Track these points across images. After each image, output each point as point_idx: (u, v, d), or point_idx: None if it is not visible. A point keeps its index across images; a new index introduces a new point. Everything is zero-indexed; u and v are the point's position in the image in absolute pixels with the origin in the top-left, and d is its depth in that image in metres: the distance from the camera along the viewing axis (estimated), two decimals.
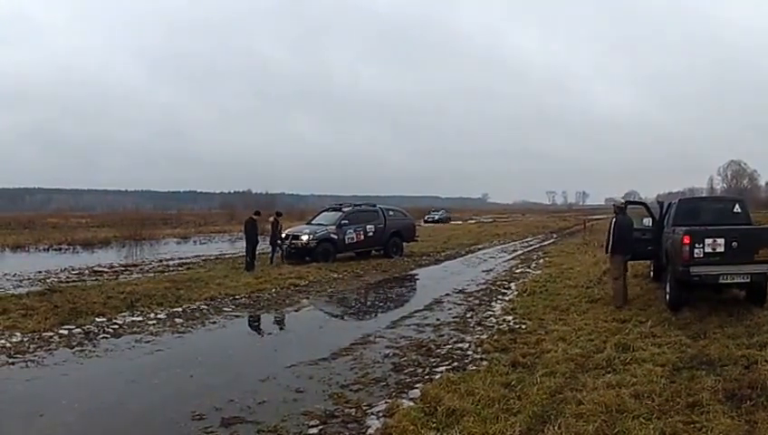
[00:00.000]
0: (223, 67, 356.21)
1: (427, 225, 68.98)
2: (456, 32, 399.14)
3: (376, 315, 14.20)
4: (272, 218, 25.02)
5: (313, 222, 28.00)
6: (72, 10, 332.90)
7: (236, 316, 14.64)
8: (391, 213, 28.96)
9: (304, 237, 25.88)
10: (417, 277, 22.13)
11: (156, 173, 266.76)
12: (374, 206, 29.19)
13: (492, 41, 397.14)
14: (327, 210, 29.50)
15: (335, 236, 26.32)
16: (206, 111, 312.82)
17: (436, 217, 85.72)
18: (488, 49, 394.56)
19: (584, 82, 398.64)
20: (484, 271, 22.86)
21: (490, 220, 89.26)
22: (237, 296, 16.72)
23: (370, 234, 27.43)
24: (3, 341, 11.41)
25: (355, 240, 26.96)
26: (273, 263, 23.79)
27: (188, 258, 28.82)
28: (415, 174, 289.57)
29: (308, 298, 17.10)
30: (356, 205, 28.87)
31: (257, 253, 23.21)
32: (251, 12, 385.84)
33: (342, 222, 27.00)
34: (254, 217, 23.91)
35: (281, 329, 13.96)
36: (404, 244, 29.37)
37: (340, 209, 28.21)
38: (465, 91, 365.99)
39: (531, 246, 37.18)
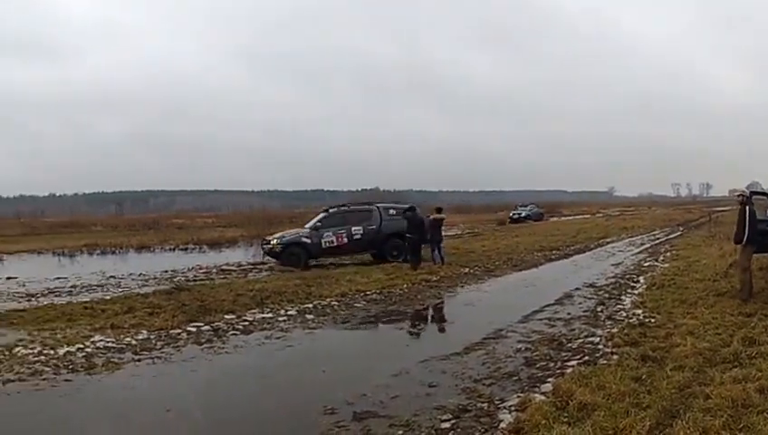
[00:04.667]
0: (326, 63, 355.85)
1: (512, 225, 60.26)
2: (565, 17, 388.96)
3: (507, 310, 13.97)
4: (432, 215, 23.66)
5: (306, 225, 26.54)
6: (158, 13, 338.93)
7: (368, 312, 14.68)
8: (392, 212, 26.12)
9: (273, 241, 25.56)
10: (547, 272, 21.80)
11: (275, 173, 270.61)
12: (370, 205, 27.11)
13: (604, 27, 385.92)
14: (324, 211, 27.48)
15: (307, 240, 25.22)
16: (316, 109, 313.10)
17: (524, 214, 70.87)
18: (602, 36, 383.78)
19: (706, 66, 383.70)
20: (612, 265, 22.54)
21: (617, 214, 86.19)
22: (368, 292, 16.83)
23: (357, 236, 25.42)
24: (129, 338, 11.69)
25: (335, 244, 25.26)
26: (436, 262, 22.45)
27: None
28: (541, 168, 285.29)
29: (439, 293, 17.08)
30: (345, 205, 27.52)
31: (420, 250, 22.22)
32: (347, 6, 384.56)
33: (317, 224, 25.85)
34: (408, 212, 23.21)
35: (413, 324, 14.00)
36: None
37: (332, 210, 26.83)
38: (584, 81, 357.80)
39: (657, 239, 36.46)
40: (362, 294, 16.73)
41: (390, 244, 25.48)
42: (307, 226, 26.39)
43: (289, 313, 14.22)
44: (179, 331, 12.33)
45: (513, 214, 70.91)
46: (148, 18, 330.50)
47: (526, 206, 75.80)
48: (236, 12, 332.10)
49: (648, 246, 31.52)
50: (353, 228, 25.37)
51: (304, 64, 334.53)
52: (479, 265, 22.69)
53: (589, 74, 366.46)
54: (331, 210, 26.84)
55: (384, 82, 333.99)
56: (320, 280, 18.61)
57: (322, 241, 25.08)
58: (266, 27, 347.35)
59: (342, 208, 26.81)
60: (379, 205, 26.87)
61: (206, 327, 12.69)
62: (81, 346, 11.02)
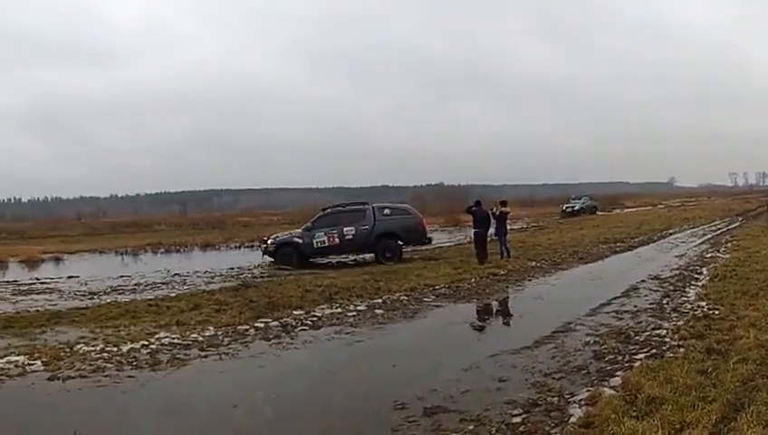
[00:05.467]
0: (382, 59, 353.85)
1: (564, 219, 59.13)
2: (619, 6, 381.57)
3: (574, 303, 14.03)
4: (495, 208, 23.42)
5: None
6: (208, 14, 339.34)
7: (437, 306, 14.78)
8: (387, 211, 26.47)
9: (269, 241, 26.58)
10: (613, 264, 21.85)
11: (339, 169, 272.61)
12: (364, 205, 27.07)
13: (658, 15, 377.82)
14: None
15: (299, 241, 25.86)
16: (374, 105, 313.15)
17: (577, 207, 68.74)
18: (657, 25, 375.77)
19: (763, 53, 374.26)
20: (676, 256, 22.50)
21: (678, 205, 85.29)
22: (437, 287, 16.91)
23: (349, 237, 25.62)
24: (195, 335, 11.80)
25: (327, 244, 25.66)
26: (503, 256, 22.55)
27: None
28: (602, 160, 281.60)
29: (507, 287, 17.21)
30: (340, 205, 27.70)
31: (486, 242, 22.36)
32: (401, 1, 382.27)
33: (309, 225, 26.34)
34: (474, 207, 23.03)
35: (482, 318, 14.00)
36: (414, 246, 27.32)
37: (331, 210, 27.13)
38: (642, 71, 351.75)
39: (718, 229, 36.27)
40: (431, 288, 16.81)
41: (383, 244, 25.67)
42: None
43: (358, 308, 14.32)
44: (247, 327, 12.46)
45: (566, 207, 69.13)
46: (198, 20, 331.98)
47: (580, 198, 74.11)
48: (290, 11, 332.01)
49: (709, 236, 31.39)
50: (345, 229, 25.64)
51: (360, 61, 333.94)
52: (546, 259, 22.83)
53: (646, 64, 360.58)
54: (326, 211, 27.30)
55: (440, 76, 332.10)
56: (388, 275, 18.84)
57: (314, 241, 25.62)
58: (321, 25, 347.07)
59: (337, 209, 27.19)
60: (375, 205, 26.95)
61: (275, 323, 12.82)
62: (146, 343, 11.21)
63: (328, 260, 26.47)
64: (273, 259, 26.24)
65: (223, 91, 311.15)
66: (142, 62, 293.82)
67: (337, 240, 25.60)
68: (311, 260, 25.96)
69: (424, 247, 28.33)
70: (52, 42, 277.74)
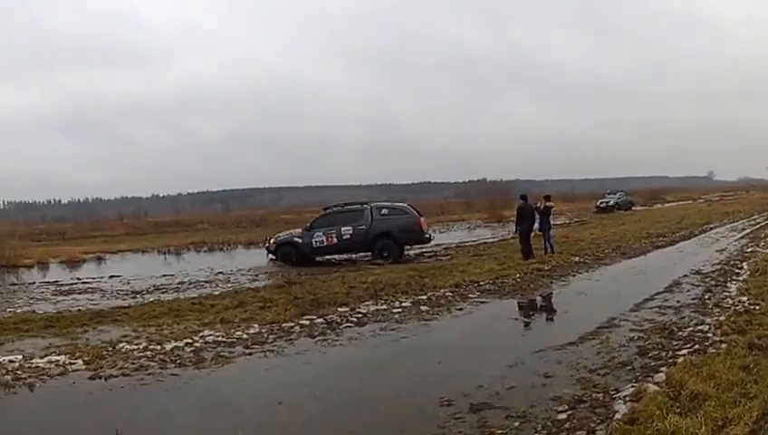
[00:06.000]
0: (421, 55, 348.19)
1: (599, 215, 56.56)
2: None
3: (618, 298, 14.06)
4: (539, 203, 23.66)
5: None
6: (243, 14, 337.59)
7: (482, 302, 14.82)
8: (384, 211, 26.75)
9: (272, 240, 27.78)
10: (655, 259, 21.84)
11: (382, 166, 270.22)
12: (362, 205, 27.53)
13: (699, 8, 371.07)
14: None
15: (299, 240, 26.62)
16: (415, 101, 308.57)
17: (612, 202, 66.48)
18: (697, 18, 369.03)
19: None
20: (717, 251, 22.48)
21: (717, 199, 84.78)
22: (481, 283, 16.98)
23: (346, 236, 26.11)
24: (239, 332, 11.90)
25: (325, 244, 26.26)
26: (547, 251, 22.72)
27: (428, 247, 29.28)
28: (641, 154, 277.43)
29: (551, 283, 17.31)
30: (340, 205, 27.91)
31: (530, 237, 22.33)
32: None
33: (308, 225, 27.14)
34: (522, 201, 22.98)
35: (527, 314, 14.09)
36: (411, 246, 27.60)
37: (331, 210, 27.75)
38: (681, 64, 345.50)
39: (757, 223, 35.93)
40: (476, 284, 16.85)
41: (380, 244, 25.96)
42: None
43: (403, 304, 14.40)
44: (292, 324, 12.56)
45: (601, 203, 67.16)
46: (233, 20, 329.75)
47: (614, 193, 71.91)
48: (324, 7, 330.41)
49: (748, 231, 31.19)
50: (343, 228, 26.11)
51: (399, 57, 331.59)
52: (589, 254, 22.86)
53: (685, 56, 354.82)
54: (326, 210, 27.92)
55: (480, 71, 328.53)
56: (433, 271, 18.99)
57: (313, 241, 26.27)
58: (356, 22, 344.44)
59: (336, 209, 27.61)
60: (373, 204, 27.48)
61: (320, 320, 12.93)
62: (190, 341, 11.34)
63: (330, 258, 27.06)
64: (274, 257, 27.26)
65: (262, 91, 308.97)
66: (179, 62, 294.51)
67: (335, 240, 26.19)
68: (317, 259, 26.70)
69: (429, 247, 29.14)
70: (88, 44, 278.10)
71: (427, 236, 27.57)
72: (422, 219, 26.96)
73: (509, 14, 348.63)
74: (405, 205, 28.39)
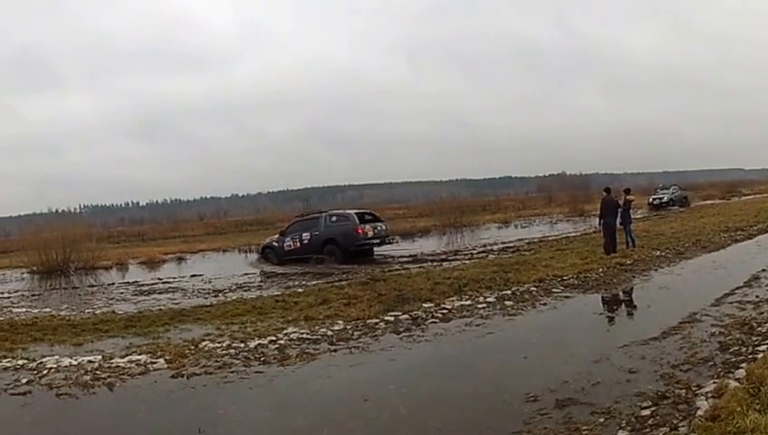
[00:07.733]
0: (486, 49, 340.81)
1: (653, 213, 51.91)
2: None
3: (699, 293, 14.03)
4: (618, 197, 23.43)
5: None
6: (304, 14, 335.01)
7: (566, 297, 14.93)
8: (333, 219, 29.62)
9: (260, 243, 32.60)
10: (734, 253, 21.65)
11: (460, 162, 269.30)
12: (320, 213, 30.87)
13: None
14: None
15: (276, 244, 30.34)
16: (484, 95, 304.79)
17: (665, 199, 59.30)
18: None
19: None
20: None
21: None
22: (565, 277, 17.12)
23: (306, 241, 29.23)
24: (324, 329, 12.11)
25: (292, 247, 29.57)
26: (628, 245, 22.59)
27: (510, 242, 29.54)
28: (717, 147, 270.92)
29: (633, 277, 17.28)
30: (307, 213, 32.62)
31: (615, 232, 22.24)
32: None
33: (282, 231, 31.03)
34: (606, 193, 23.02)
35: (610, 309, 14.09)
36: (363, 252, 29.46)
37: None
38: (755, 54, 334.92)
39: None
40: (559, 279, 17.00)
41: (328, 248, 28.68)
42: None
43: (488, 299, 14.47)
44: (376, 320, 12.75)
45: (654, 199, 60.09)
46: (293, 20, 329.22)
47: (668, 188, 64.42)
48: (392, 3, 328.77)
49: None
50: (304, 234, 29.51)
51: (467, 53, 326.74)
52: (670, 248, 22.74)
53: (760, 48, 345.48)
54: (296, 218, 32.26)
55: (547, 64, 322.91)
56: (517, 266, 19.14)
57: (284, 245, 29.92)
58: (421, 17, 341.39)
59: (305, 216, 31.57)
60: (327, 213, 30.60)
61: (404, 316, 13.07)
62: (274, 338, 11.56)
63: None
64: (262, 257, 31.36)
65: (332, 89, 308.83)
66: (242, 63, 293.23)
67: (299, 244, 29.49)
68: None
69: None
70: (149, 49, 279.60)
71: (367, 241, 29.37)
72: (363, 226, 29.30)
73: (574, 6, 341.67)
74: (349, 212, 31.00)
